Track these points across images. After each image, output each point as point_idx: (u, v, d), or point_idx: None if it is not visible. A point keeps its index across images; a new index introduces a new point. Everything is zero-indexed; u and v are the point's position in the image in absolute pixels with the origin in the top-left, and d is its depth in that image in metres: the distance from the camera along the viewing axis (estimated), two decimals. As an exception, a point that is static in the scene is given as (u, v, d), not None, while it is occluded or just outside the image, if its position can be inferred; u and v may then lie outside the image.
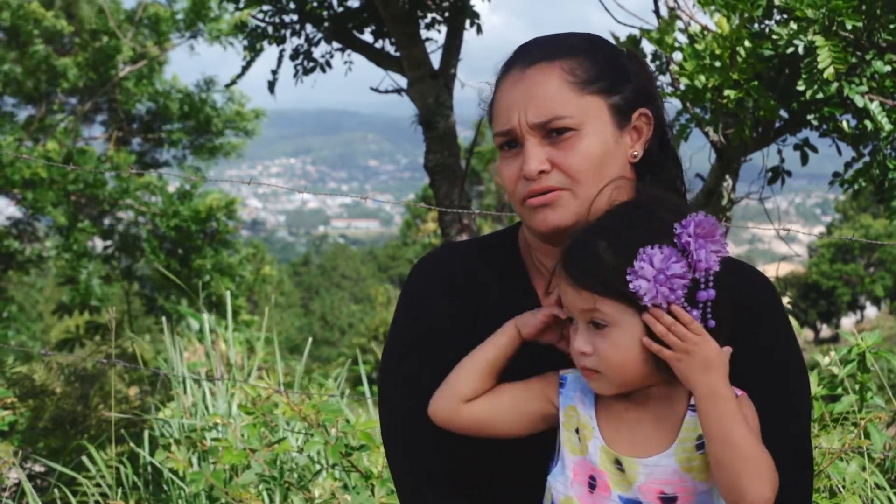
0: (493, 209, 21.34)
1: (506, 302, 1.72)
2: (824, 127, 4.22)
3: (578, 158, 1.61)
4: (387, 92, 5.71)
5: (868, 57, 3.89)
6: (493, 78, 1.73)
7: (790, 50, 3.83)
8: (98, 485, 4.04)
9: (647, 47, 4.45)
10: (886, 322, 34.71)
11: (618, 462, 1.53)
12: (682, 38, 4.40)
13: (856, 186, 4.26)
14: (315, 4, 5.69)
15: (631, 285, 1.47)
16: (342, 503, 3.16)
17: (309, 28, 5.78)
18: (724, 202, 4.96)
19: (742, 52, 3.93)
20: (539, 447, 1.63)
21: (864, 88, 3.90)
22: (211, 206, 12.29)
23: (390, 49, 5.75)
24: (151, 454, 4.06)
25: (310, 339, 4.90)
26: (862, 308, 42.98)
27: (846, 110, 4.09)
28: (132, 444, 4.21)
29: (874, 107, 3.90)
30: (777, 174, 4.64)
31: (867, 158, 4.25)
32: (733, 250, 1.69)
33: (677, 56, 4.34)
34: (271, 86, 5.83)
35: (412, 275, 1.80)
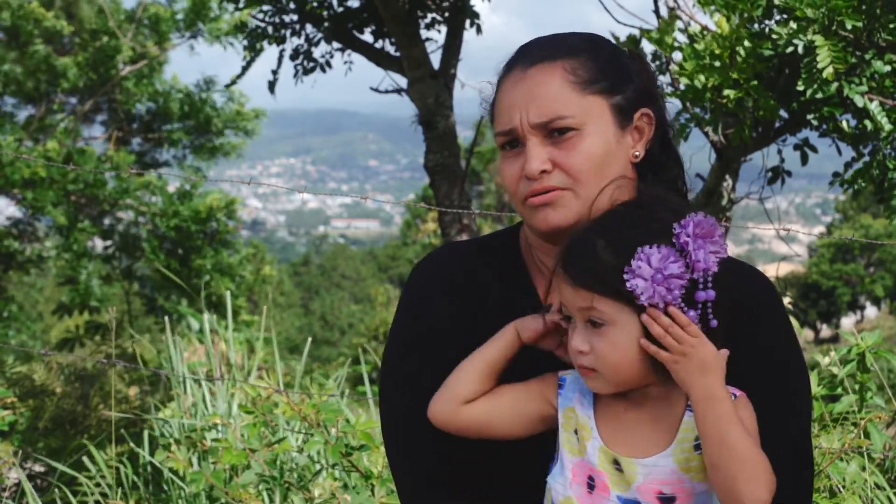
0: (493, 209, 21.34)
1: (506, 302, 1.71)
2: (824, 127, 4.22)
3: (580, 158, 1.61)
4: (387, 92, 5.71)
5: (868, 57, 3.89)
6: (494, 78, 1.72)
7: (790, 50, 3.83)
8: (98, 485, 4.04)
9: (647, 47, 4.46)
10: (886, 322, 34.68)
11: (616, 462, 1.53)
12: (682, 38, 4.40)
13: (856, 186, 4.25)
14: (315, 4, 5.69)
15: (628, 284, 1.47)
16: (342, 503, 3.16)
17: (309, 28, 5.78)
18: (724, 202, 4.96)
19: (742, 52, 3.93)
20: (538, 448, 1.63)
21: (864, 88, 3.89)
22: (211, 206, 12.28)
23: (390, 49, 5.75)
24: (151, 454, 4.06)
25: (310, 339, 4.90)
26: (862, 308, 42.97)
27: (846, 110, 4.09)
28: (132, 444, 4.21)
29: (874, 107, 3.90)
30: (777, 174, 4.63)
31: (867, 158, 4.24)
32: (733, 250, 1.69)
33: (677, 56, 4.34)
34: (271, 86, 5.83)
35: (412, 275, 1.80)
